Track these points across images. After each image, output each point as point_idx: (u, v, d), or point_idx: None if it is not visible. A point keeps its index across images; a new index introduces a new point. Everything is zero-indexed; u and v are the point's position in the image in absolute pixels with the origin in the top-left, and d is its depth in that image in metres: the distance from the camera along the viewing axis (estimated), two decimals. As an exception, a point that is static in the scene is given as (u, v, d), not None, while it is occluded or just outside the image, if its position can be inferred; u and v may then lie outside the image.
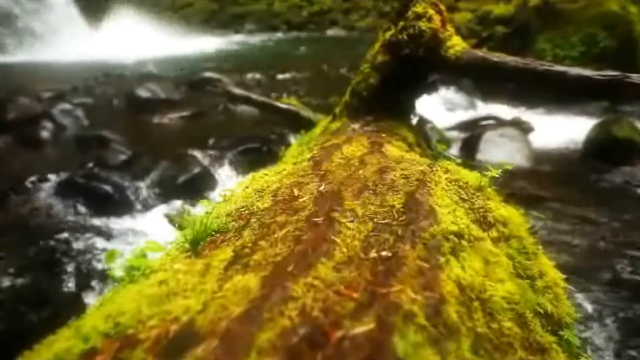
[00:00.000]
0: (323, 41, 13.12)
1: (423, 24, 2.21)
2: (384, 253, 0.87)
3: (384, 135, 1.96)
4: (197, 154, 4.28)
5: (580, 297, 2.65)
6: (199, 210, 2.13)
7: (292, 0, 15.28)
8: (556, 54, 7.14)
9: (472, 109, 6.39)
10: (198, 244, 1.03)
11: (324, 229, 0.97)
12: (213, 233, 1.07)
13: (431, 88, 2.56)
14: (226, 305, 0.73)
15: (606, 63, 6.04)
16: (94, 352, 0.71)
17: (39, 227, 3.31)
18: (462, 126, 5.79)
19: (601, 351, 2.34)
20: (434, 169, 1.38)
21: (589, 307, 2.60)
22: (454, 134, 5.57)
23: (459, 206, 1.19)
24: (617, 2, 7.16)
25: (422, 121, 4.38)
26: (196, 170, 4.04)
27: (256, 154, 4.49)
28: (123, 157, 4.17)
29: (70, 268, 2.94)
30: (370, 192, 1.17)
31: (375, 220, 1.01)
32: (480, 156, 4.81)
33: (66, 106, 5.31)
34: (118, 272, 1.03)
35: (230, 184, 3.65)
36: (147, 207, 3.70)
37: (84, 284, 2.83)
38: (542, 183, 4.31)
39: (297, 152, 2.44)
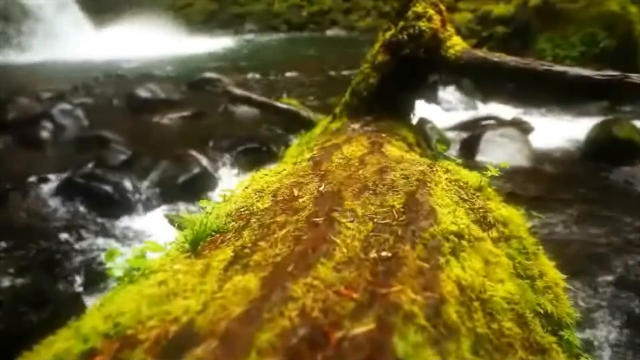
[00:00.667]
0: (323, 41, 13.12)
1: (423, 24, 2.21)
2: (384, 253, 0.87)
3: (384, 135, 1.96)
4: (197, 154, 4.28)
5: (580, 297, 2.64)
6: (199, 210, 2.13)
7: (292, 0, 15.28)
8: (556, 54, 7.14)
9: (472, 109, 6.39)
10: (198, 244, 1.03)
11: (324, 229, 0.97)
12: (213, 233, 1.07)
13: (431, 89, 2.56)
14: (226, 305, 0.73)
15: (606, 63, 6.05)
16: (93, 352, 0.71)
17: (39, 227, 3.31)
18: (462, 126, 5.79)
19: (601, 351, 2.34)
20: (434, 169, 1.38)
21: (589, 307, 2.60)
22: (454, 134, 5.57)
23: (459, 206, 1.19)
24: (617, 2, 7.16)
25: (422, 121, 4.38)
26: (196, 170, 4.04)
27: (256, 154, 4.50)
28: (123, 157, 4.17)
29: (70, 268, 2.94)
30: (370, 192, 1.17)
31: (375, 220, 1.01)
32: (480, 156, 4.81)
33: (66, 106, 5.31)
34: (118, 272, 1.03)
35: (230, 184, 3.65)
36: (147, 207, 3.70)
37: (83, 284, 2.83)
38: (542, 183, 4.31)
39: (297, 152, 2.44)
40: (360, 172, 1.34)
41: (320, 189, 1.22)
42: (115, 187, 3.68)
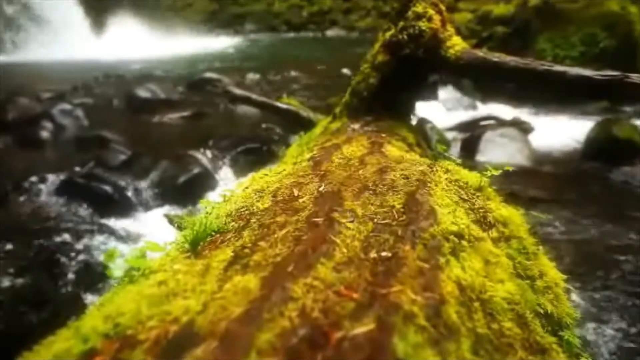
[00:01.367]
0: (323, 41, 13.13)
1: (423, 24, 2.21)
2: (384, 253, 0.87)
3: (384, 135, 1.96)
4: (197, 154, 4.28)
5: (580, 297, 2.65)
6: (199, 210, 2.13)
7: (292, 0, 15.28)
8: (556, 54, 7.14)
9: (472, 109, 6.39)
10: (198, 245, 1.03)
11: (324, 230, 0.97)
12: (213, 233, 1.07)
13: (431, 89, 2.56)
14: (226, 305, 0.73)
15: (606, 63, 6.05)
16: (93, 352, 0.71)
17: (39, 227, 3.31)
18: (462, 126, 5.79)
19: (601, 351, 2.34)
20: (434, 169, 1.38)
21: (589, 307, 2.60)
22: (454, 134, 5.57)
23: (459, 206, 1.19)
24: (617, 2, 7.16)
25: (422, 121, 4.38)
26: (196, 170, 4.04)
27: (256, 154, 4.50)
28: (123, 157, 4.17)
29: (70, 268, 2.94)
30: (370, 192, 1.17)
31: (375, 220, 1.01)
32: (480, 156, 4.81)
33: (66, 106, 5.32)
34: (117, 272, 1.02)
35: (230, 184, 3.66)
36: (147, 207, 3.70)
37: (83, 284, 2.83)
38: (542, 183, 4.31)
39: (297, 152, 2.44)
40: (360, 172, 1.34)
41: (320, 189, 1.22)
42: (115, 187, 3.68)
